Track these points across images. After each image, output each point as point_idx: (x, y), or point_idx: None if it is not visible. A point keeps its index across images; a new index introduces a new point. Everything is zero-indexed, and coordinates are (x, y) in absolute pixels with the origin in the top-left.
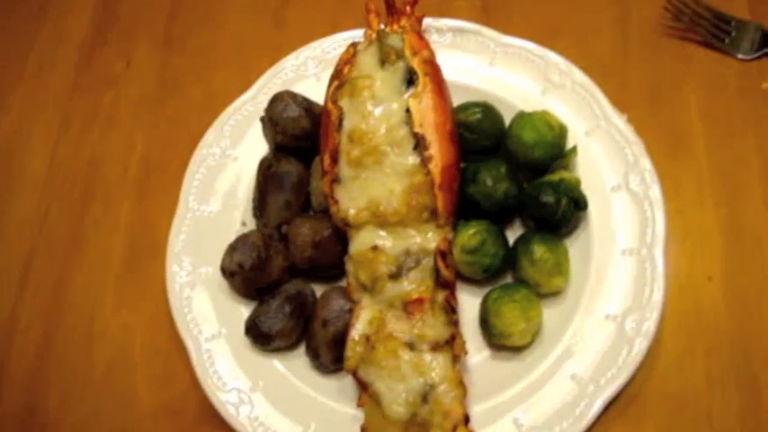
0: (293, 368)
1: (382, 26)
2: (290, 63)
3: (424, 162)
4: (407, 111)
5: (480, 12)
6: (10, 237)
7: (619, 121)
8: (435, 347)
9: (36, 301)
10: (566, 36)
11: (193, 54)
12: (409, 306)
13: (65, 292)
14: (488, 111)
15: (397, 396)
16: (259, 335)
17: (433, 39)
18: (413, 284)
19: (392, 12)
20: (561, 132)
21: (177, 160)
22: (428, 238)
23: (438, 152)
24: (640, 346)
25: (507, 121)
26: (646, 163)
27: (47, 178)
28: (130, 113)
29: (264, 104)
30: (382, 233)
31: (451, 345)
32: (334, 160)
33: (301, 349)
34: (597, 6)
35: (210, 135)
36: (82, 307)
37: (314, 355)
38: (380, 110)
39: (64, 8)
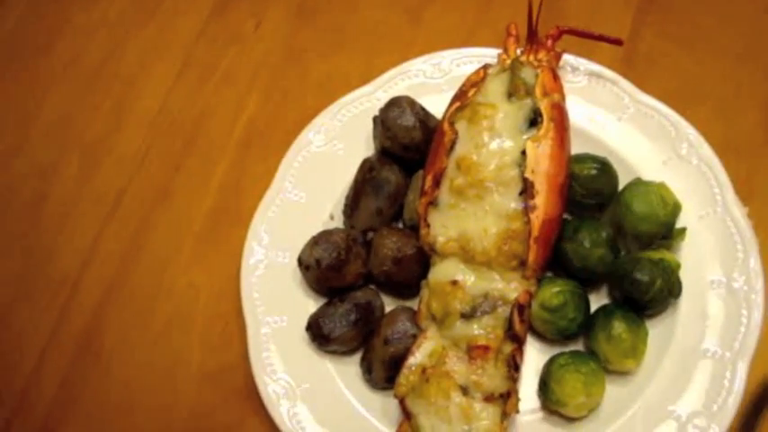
0: (344, 374)
1: (519, 52)
2: (416, 66)
3: (527, 210)
4: (523, 152)
5: (622, 62)
6: (109, 168)
7: (738, 211)
8: (488, 398)
9: (118, 237)
10: (705, 105)
11: (323, 30)
12: (473, 350)
13: (145, 236)
14: (605, 169)
15: None
16: (319, 335)
17: (567, 78)
18: (483, 330)
19: (532, 41)
20: (674, 211)
21: (283, 132)
22: (510, 288)
23: (543, 203)
24: None
25: (622, 184)
26: (756, 264)
27: (155, 120)
28: (249, 75)
29: (382, 102)
30: (465, 269)
31: (505, 400)
32: (437, 183)
33: (357, 357)
34: (749, 81)
35: (321, 120)
36: (157, 255)
37: (367, 368)
38: (496, 144)
39: None
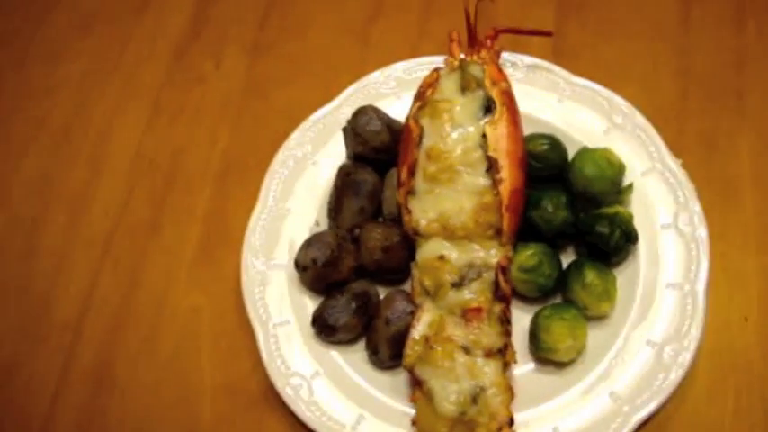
0: (352, 361)
1: (463, 55)
2: (373, 80)
3: (495, 184)
4: (483, 135)
5: (550, 53)
6: (95, 214)
7: (673, 164)
8: (488, 354)
9: (114, 275)
10: (629, 83)
11: (279, 61)
12: (468, 314)
13: (141, 270)
14: (555, 143)
15: (449, 394)
16: (325, 326)
17: (508, 72)
18: (473, 294)
19: (473, 43)
20: (620, 170)
21: (256, 159)
22: (491, 254)
23: (508, 176)
24: (676, 374)
25: (571, 155)
26: (695, 206)
27: (133, 164)
28: (216, 111)
29: (346, 116)
30: (448, 245)
31: (503, 353)
32: (412, 174)
33: (361, 344)
34: (660, 58)
35: (294, 139)
36: (155, 286)
37: (373, 350)
38: (458, 132)
39: (163, 6)
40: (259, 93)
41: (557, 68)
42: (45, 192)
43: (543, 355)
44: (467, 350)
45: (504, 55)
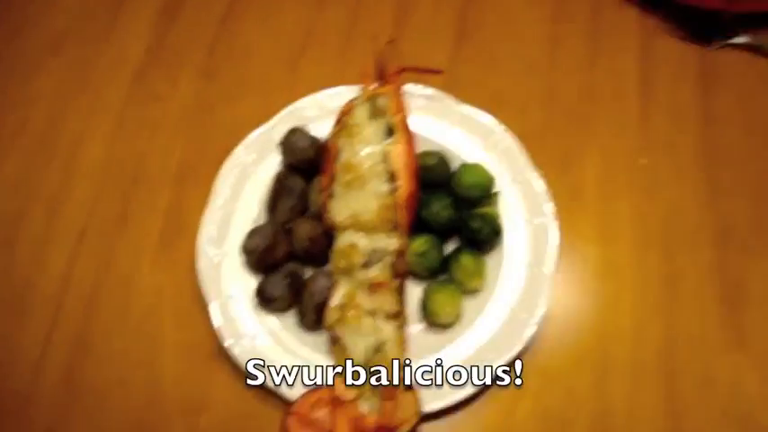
0: (286, 324)
1: (375, 85)
2: (301, 105)
3: (394, 190)
4: (386, 153)
5: (445, 86)
6: (69, 210)
7: (534, 176)
8: (388, 317)
9: (89, 260)
10: (508, 108)
11: (225, 84)
12: (373, 287)
13: (111, 256)
14: (441, 159)
15: (358, 347)
16: (264, 297)
17: (411, 101)
18: (377, 272)
19: (381, 78)
20: (491, 180)
21: (207, 166)
22: (391, 242)
23: (404, 184)
24: (529, 331)
25: (454, 168)
26: (549, 208)
27: (102, 167)
28: (172, 125)
29: (280, 133)
30: (359, 235)
31: (399, 317)
32: (331, 181)
33: (292, 312)
34: (532, 91)
35: (239, 151)
36: (124, 269)
37: (302, 316)
38: (367, 150)
39: (125, 34)
40: (208, 110)
41: (447, 98)
42: (25, 189)
43: (430, 319)
44: (372, 314)
45: (409, 86)
